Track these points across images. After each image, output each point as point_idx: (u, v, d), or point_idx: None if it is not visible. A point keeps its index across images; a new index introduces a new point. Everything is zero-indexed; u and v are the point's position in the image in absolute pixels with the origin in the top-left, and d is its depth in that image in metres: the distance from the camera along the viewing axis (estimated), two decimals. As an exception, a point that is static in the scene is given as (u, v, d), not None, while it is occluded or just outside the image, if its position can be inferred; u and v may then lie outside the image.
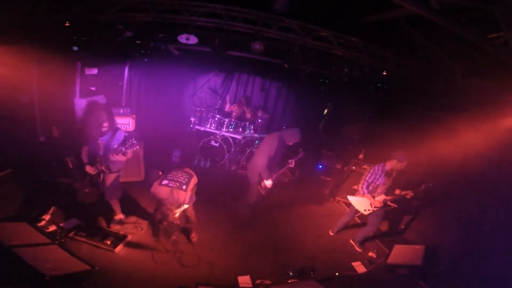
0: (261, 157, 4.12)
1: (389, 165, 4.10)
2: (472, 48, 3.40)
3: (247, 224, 4.54)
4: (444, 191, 4.65)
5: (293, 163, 4.30)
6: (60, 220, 3.84)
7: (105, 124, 3.35)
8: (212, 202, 4.94)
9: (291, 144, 4.26)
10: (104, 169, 3.55)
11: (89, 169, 3.52)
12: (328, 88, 7.21)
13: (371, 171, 4.19)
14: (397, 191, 4.21)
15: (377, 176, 4.15)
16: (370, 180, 4.18)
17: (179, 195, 3.28)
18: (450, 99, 4.66)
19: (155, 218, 3.32)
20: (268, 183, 4.14)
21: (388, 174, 4.13)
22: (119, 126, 3.98)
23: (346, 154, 6.57)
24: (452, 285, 3.67)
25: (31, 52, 4.19)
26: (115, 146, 3.38)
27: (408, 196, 4.09)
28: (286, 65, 5.43)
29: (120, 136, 3.47)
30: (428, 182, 4.04)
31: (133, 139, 3.37)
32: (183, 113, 7.60)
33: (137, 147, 3.40)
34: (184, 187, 3.34)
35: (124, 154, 3.47)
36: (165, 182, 3.33)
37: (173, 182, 3.34)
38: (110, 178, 3.67)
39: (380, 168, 4.15)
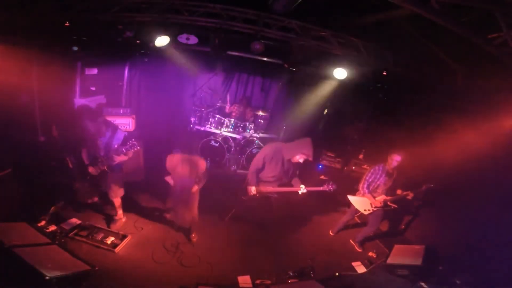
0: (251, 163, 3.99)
1: (388, 165, 4.11)
2: (472, 48, 3.40)
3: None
4: (444, 192, 4.64)
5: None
6: (60, 220, 3.84)
7: (93, 129, 3.34)
8: (212, 202, 4.93)
9: (290, 158, 3.75)
10: (106, 169, 3.56)
11: (91, 170, 3.54)
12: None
13: (372, 171, 4.20)
14: (398, 191, 4.21)
15: (378, 176, 4.16)
16: (370, 180, 4.19)
17: (198, 161, 3.49)
18: (450, 99, 4.65)
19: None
20: (251, 189, 3.96)
21: (388, 174, 4.14)
22: (119, 126, 3.99)
23: (346, 154, 6.56)
24: (452, 285, 3.67)
25: (31, 52, 4.20)
26: (116, 147, 3.39)
27: (408, 197, 4.10)
28: (286, 65, 5.42)
29: (120, 136, 3.48)
30: (429, 183, 4.05)
31: (133, 139, 3.38)
32: (183, 113, 7.59)
33: (138, 147, 3.41)
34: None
35: (125, 154, 3.48)
36: (177, 150, 3.56)
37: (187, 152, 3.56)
38: (113, 177, 3.69)
39: (380, 168, 4.16)
